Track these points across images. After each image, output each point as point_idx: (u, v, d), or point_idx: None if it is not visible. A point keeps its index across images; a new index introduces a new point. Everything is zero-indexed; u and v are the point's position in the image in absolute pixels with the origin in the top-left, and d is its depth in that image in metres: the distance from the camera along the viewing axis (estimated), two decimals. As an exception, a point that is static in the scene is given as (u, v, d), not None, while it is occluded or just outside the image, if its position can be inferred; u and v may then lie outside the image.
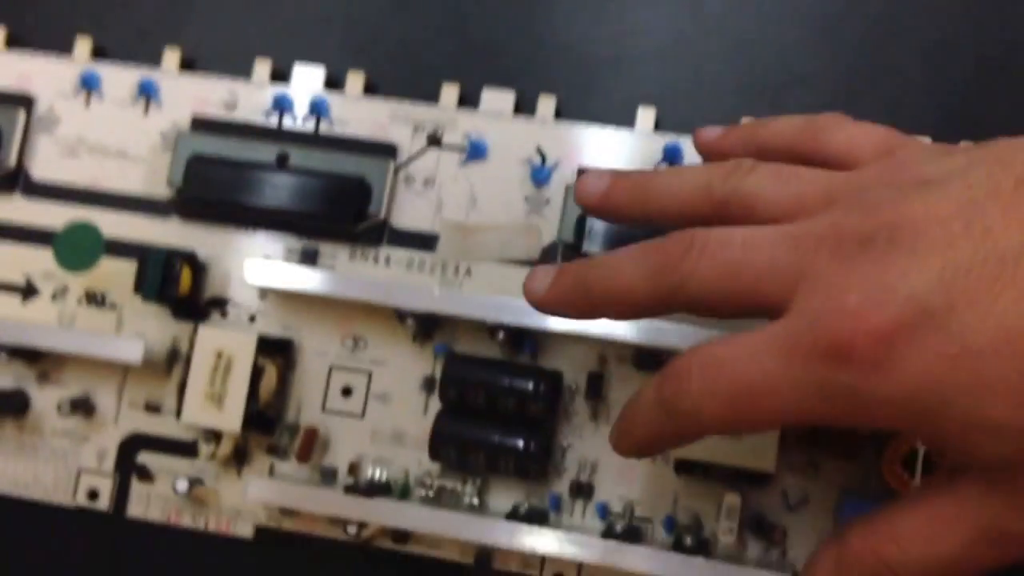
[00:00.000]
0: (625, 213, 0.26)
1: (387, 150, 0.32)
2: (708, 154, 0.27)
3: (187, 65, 0.33)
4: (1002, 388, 0.19)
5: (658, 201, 0.25)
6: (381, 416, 0.31)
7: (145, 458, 0.31)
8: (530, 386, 0.29)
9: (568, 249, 0.30)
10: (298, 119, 0.32)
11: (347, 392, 0.31)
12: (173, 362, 0.32)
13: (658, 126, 0.31)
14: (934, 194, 0.21)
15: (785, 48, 0.32)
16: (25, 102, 0.33)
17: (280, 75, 0.33)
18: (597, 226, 0.29)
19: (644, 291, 0.23)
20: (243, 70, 0.33)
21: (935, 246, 0.20)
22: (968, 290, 0.20)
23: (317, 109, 0.32)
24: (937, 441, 0.22)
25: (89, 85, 0.33)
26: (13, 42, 0.34)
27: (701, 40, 0.33)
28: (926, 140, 0.28)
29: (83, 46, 0.33)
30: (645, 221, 0.26)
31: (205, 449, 0.30)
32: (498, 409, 0.29)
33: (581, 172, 0.30)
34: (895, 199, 0.21)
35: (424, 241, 0.31)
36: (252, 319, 0.32)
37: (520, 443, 0.29)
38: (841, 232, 0.21)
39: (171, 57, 0.33)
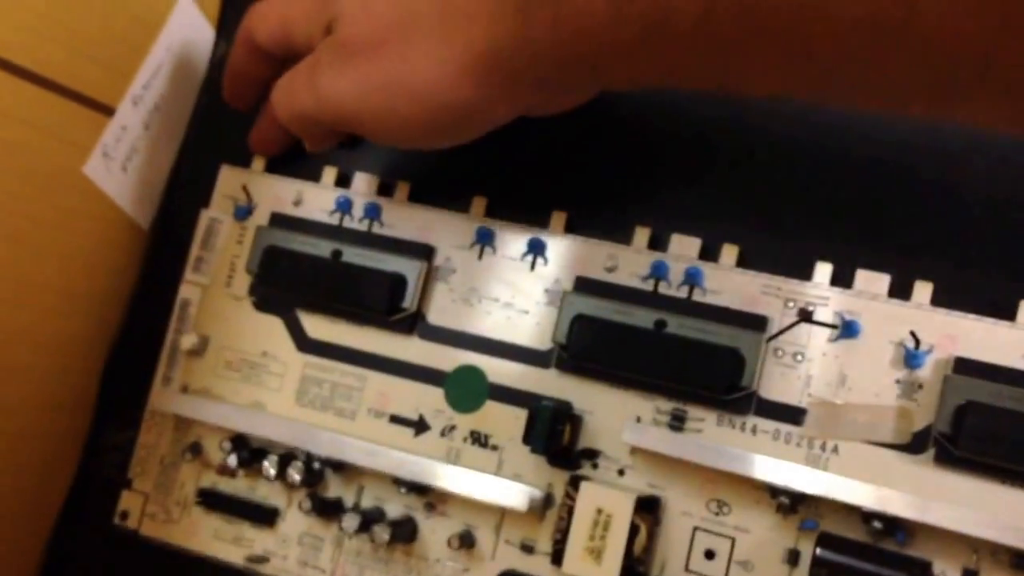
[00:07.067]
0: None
1: (759, 322, 0.33)
2: None
3: (570, 228, 0.36)
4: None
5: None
6: (743, 583, 0.32)
7: (520, 595, 0.34)
8: (904, 578, 0.29)
9: (943, 438, 0.31)
10: (672, 285, 0.34)
11: (710, 555, 0.33)
12: (547, 506, 0.34)
13: (1043, 322, 0.31)
14: None
15: None
16: (426, 253, 0.37)
17: (656, 243, 0.35)
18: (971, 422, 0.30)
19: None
20: (622, 238, 0.35)
21: None
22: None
23: (692, 279, 0.34)
24: None
25: (483, 240, 0.37)
26: (414, 198, 0.38)
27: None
28: None
29: (479, 205, 0.37)
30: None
31: (577, 596, 0.33)
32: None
33: None
34: None
35: (791, 414, 0.33)
36: (621, 472, 0.34)
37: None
38: None
39: (558, 220, 0.36)
